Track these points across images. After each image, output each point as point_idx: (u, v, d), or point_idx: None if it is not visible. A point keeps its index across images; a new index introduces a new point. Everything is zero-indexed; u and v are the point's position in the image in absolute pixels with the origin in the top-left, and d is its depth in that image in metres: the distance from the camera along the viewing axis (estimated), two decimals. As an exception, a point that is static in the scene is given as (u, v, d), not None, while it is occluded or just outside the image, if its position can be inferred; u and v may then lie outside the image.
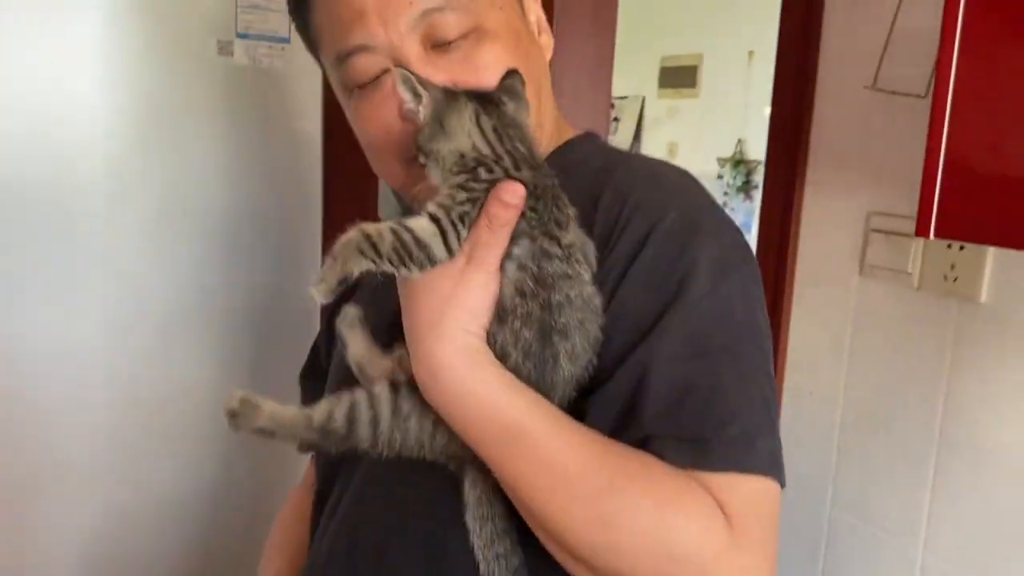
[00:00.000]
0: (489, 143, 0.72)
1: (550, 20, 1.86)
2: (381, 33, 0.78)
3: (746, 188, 4.41)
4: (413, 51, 0.79)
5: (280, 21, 1.43)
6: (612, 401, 0.70)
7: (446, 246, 0.69)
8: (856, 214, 1.65)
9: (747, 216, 4.41)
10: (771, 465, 0.68)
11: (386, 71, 0.80)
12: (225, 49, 1.46)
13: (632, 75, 4.86)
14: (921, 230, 1.14)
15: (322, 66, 0.90)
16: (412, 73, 0.75)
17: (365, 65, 0.80)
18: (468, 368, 0.69)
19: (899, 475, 1.58)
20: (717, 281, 0.71)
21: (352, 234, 0.68)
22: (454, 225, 0.69)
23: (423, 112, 0.74)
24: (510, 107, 0.76)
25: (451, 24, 0.80)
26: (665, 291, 0.71)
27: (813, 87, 1.72)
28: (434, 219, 0.69)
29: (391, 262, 0.68)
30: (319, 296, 0.69)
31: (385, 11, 0.78)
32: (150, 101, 1.39)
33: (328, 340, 1.04)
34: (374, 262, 0.68)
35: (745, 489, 0.66)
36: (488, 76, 0.80)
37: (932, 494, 1.51)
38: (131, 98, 1.37)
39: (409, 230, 0.68)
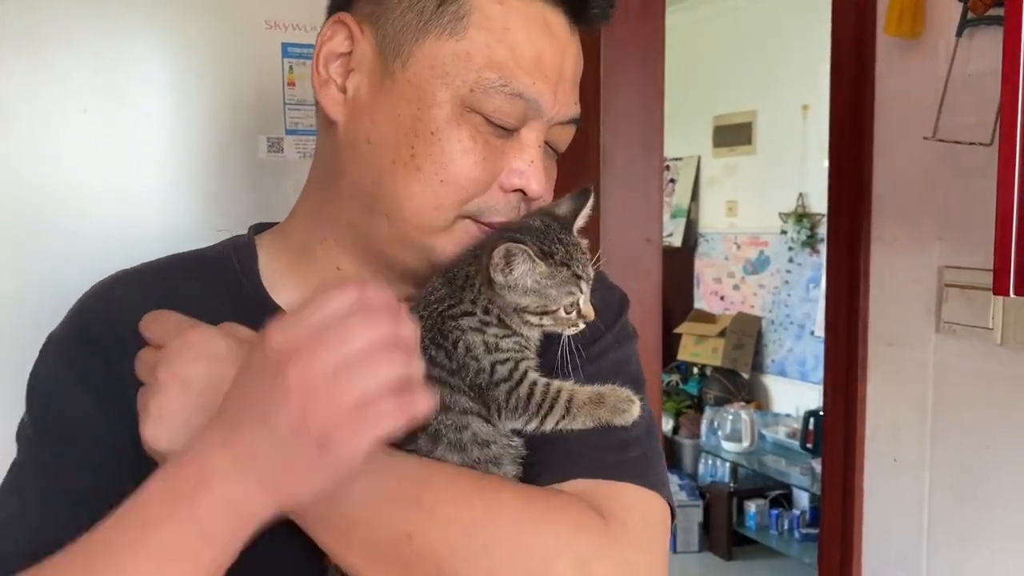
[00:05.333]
0: None
1: (597, 85, 1.87)
2: (550, 106, 0.75)
3: (811, 242, 4.30)
4: (541, 139, 0.77)
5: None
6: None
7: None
8: (927, 269, 1.57)
9: (815, 271, 4.29)
10: (659, 485, 0.72)
11: (517, 130, 0.75)
12: (276, 146, 1.47)
13: (686, 135, 4.84)
14: (1000, 288, 1.07)
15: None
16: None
17: (518, 113, 0.74)
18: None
19: (998, 546, 1.48)
20: None
21: None
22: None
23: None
24: None
25: (568, 141, 0.80)
26: None
27: (871, 141, 1.67)
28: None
29: None
30: None
31: (561, 92, 0.75)
32: (205, 203, 1.41)
33: None
34: None
35: (627, 495, 0.69)
36: (550, 193, 0.80)
37: (1038, 566, 1.40)
38: (188, 199, 1.40)
39: None
